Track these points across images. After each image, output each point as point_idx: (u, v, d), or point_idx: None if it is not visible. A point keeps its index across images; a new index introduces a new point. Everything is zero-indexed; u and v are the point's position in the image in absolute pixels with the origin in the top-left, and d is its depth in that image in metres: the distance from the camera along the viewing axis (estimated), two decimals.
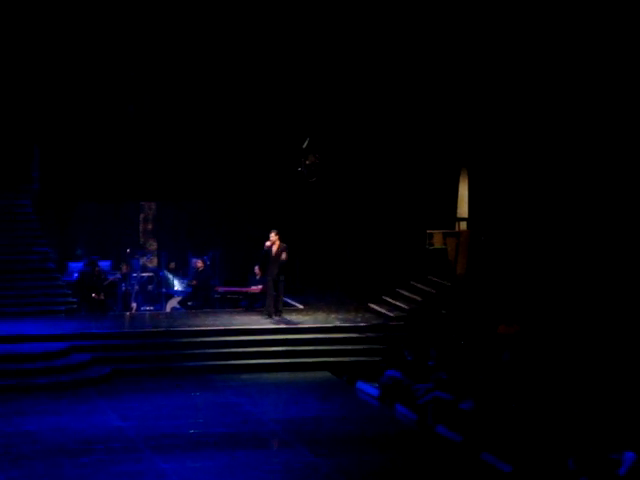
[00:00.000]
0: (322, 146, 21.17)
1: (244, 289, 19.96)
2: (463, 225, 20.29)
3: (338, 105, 21.42)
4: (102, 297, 19.12)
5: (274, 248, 17.89)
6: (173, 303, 20.15)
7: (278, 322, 17.91)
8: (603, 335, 15.23)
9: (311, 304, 19.63)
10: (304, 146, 21.02)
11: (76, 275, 19.52)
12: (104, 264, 20.07)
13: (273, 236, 17.96)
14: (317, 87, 21.43)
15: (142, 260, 20.75)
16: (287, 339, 17.28)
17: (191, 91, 21.61)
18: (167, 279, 20.56)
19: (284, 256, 17.82)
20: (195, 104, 21.65)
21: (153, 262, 21.58)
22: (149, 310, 19.86)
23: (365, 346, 17.27)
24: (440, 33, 20.14)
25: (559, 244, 17.83)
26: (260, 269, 18.42)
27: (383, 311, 18.81)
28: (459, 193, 20.51)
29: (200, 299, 19.88)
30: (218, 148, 21.67)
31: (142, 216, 22.34)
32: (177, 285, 20.67)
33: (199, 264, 19.96)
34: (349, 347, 17.26)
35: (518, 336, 15.91)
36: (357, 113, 21.35)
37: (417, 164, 21.12)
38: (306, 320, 18.22)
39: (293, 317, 18.35)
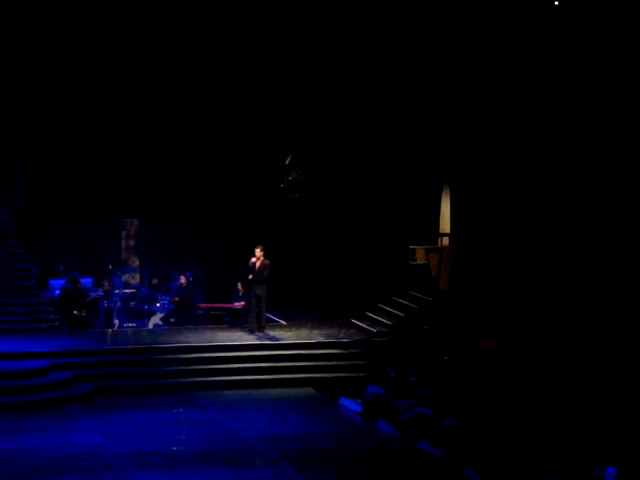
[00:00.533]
0: (305, 162, 21.22)
1: (227, 305, 19.92)
2: (445, 241, 20.35)
3: (320, 120, 21.47)
4: (84, 314, 19.02)
5: (258, 264, 17.93)
6: (156, 320, 20.09)
7: (261, 338, 17.88)
8: (585, 349, 15.26)
9: (294, 320, 19.60)
10: (286, 162, 21.06)
11: (58, 292, 19.42)
12: (86, 281, 19.98)
13: (258, 252, 17.98)
14: (299, 102, 21.49)
15: (124, 277, 20.71)
16: (270, 355, 17.24)
17: (173, 108, 21.62)
18: (149, 295, 20.52)
19: (266, 272, 17.88)
20: (177, 121, 21.66)
21: (135, 279, 21.55)
22: (131, 327, 19.78)
23: (348, 362, 17.25)
24: (422, 51, 20.22)
25: (540, 259, 17.87)
26: (243, 285, 18.37)
27: (366, 327, 18.81)
28: (441, 209, 20.59)
29: (183, 315, 19.84)
30: (200, 164, 21.68)
31: (124, 232, 22.30)
32: (160, 301, 20.62)
33: (182, 280, 19.94)
34: (332, 363, 17.24)
35: (501, 351, 15.94)
36: (340, 129, 21.40)
37: (399, 180, 21.18)
38: (289, 336, 18.19)
39: (276, 333, 18.32)
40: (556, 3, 17.59)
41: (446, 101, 19.99)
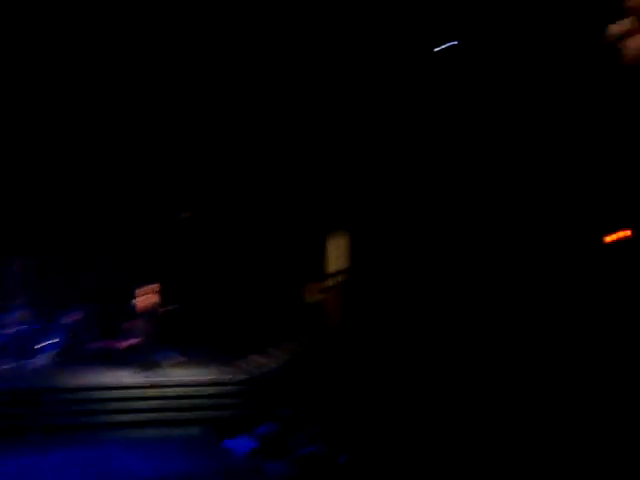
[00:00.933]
0: (195, 200, 21.21)
1: (117, 343, 19.68)
2: (339, 279, 20.48)
3: (210, 160, 21.49)
4: None
5: (148, 301, 17.85)
6: (43, 358, 19.73)
7: (152, 376, 17.68)
8: (475, 389, 15.47)
9: (187, 358, 19.43)
10: (173, 202, 21.05)
11: None
12: None
13: (147, 289, 17.91)
14: (184, 139, 21.47)
15: (10, 315, 20.30)
16: (160, 394, 17.04)
17: (45, 139, 21.31)
18: (37, 334, 20.14)
19: (157, 310, 17.80)
20: (53, 151, 21.31)
21: (23, 317, 21.13)
22: (17, 366, 19.37)
23: (241, 400, 17.16)
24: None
25: (432, 299, 18.10)
26: (135, 322, 18.21)
27: (260, 364, 18.76)
28: (335, 247, 20.74)
29: (71, 354, 19.54)
30: (86, 201, 21.45)
31: (10, 270, 21.90)
32: (47, 340, 20.26)
33: (71, 318, 19.68)
34: (225, 401, 17.11)
35: (390, 390, 16.05)
36: (230, 168, 21.46)
37: (292, 218, 21.30)
38: (181, 374, 18.00)
39: (168, 371, 18.14)
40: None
41: (339, 145, 20.22)
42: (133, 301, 18.13)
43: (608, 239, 13.27)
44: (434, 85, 18.34)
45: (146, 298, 17.82)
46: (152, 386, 17.27)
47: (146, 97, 20.92)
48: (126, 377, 17.66)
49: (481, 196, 17.45)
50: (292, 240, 21.18)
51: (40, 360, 19.61)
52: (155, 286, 17.86)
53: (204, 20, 20.14)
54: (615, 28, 12.82)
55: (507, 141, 16.73)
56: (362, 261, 19.95)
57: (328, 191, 20.57)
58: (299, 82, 20.30)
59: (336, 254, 20.56)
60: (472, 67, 17.74)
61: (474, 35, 17.59)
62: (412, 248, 18.87)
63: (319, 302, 19.76)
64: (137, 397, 16.91)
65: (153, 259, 21.25)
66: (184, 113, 21.14)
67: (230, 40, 20.38)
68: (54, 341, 19.99)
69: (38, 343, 20.03)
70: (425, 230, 18.65)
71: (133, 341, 18.83)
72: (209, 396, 17.18)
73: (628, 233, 13.62)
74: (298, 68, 20.15)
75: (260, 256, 21.50)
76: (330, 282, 20.30)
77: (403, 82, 18.74)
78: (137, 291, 18.13)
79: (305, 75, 20.15)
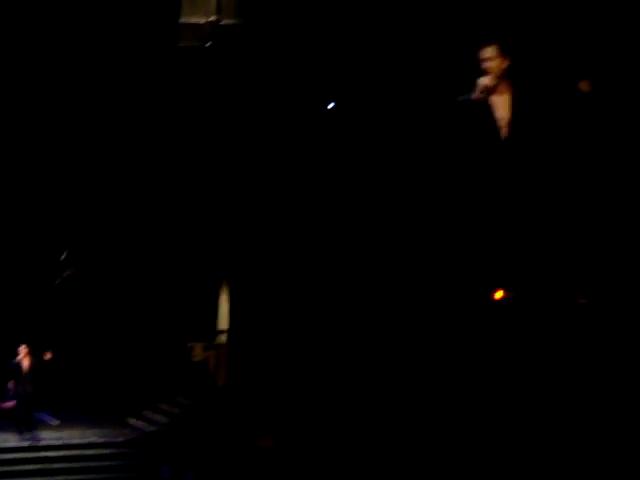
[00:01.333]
0: (81, 258, 20.89)
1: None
2: (223, 338, 20.40)
3: (95, 216, 21.24)
4: None
5: (25, 362, 17.65)
6: None
7: (31, 439, 17.22)
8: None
9: (67, 419, 18.94)
10: (62, 258, 20.70)
11: None
12: None
13: (23, 349, 17.71)
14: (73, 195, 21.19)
15: None
16: (39, 457, 16.63)
17: None
18: None
19: (33, 371, 17.56)
20: None
21: None
22: None
23: (122, 462, 16.85)
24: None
25: (316, 358, 18.21)
26: (14, 384, 17.83)
27: (142, 426, 18.46)
28: (220, 306, 20.68)
29: None
30: None
31: None
32: None
33: None
34: (106, 463, 16.80)
35: (277, 448, 15.99)
36: (114, 224, 21.24)
37: (178, 276, 21.15)
38: (61, 436, 17.61)
39: (47, 434, 17.68)
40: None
41: (223, 201, 20.25)
42: (13, 361, 17.75)
43: (496, 296, 13.51)
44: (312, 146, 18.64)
45: (24, 358, 17.57)
46: (33, 449, 16.86)
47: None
48: (6, 440, 17.18)
49: (350, 257, 17.76)
50: (179, 299, 21.03)
51: None
52: (25, 346, 17.68)
53: None
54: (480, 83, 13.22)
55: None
56: (243, 319, 19.93)
57: (214, 248, 20.53)
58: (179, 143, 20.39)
59: (223, 311, 20.51)
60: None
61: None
62: (289, 307, 18.98)
63: (205, 361, 19.65)
64: (17, 460, 16.46)
65: (37, 320, 20.80)
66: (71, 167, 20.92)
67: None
68: None
69: None
70: (301, 288, 18.80)
71: (12, 403, 18.34)
72: (92, 458, 16.84)
73: (511, 293, 13.92)
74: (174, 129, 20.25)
75: (146, 315, 21.25)
76: (216, 340, 20.21)
77: (280, 141, 19.02)
78: (18, 350, 17.79)
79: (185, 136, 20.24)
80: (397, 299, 16.92)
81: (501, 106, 13.32)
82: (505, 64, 13.32)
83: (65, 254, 20.65)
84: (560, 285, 13.69)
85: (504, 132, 12.99)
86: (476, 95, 12.79)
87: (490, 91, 12.86)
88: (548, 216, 13.83)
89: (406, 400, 15.59)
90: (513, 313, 13.88)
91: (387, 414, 15.71)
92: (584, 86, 12.77)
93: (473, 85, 13.51)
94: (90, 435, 17.74)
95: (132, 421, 18.75)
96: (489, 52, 13.09)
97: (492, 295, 13.73)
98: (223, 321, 20.64)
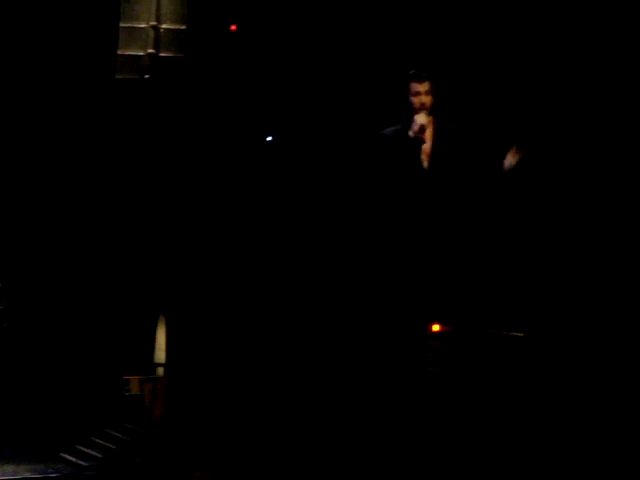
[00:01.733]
0: (15, 290, 20.65)
1: None
2: (160, 371, 20.23)
3: (35, 244, 21.05)
4: None
5: None
6: None
7: None
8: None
9: None
10: None
11: None
12: None
13: None
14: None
15: None
16: None
17: None
18: None
19: None
20: None
21: None
22: None
23: None
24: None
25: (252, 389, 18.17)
26: None
27: (76, 461, 18.16)
28: (157, 338, 20.53)
29: None
30: None
31: None
32: None
33: None
34: None
35: None
36: (47, 256, 21.03)
37: (113, 309, 20.97)
38: None
39: None
40: None
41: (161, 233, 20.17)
42: None
43: (434, 328, 13.65)
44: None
45: None
46: None
47: None
48: None
49: (280, 291, 17.85)
50: (115, 330, 20.86)
51: None
52: None
53: None
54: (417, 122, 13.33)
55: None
56: (181, 352, 19.83)
57: (149, 280, 20.42)
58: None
59: (161, 344, 20.37)
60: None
61: None
62: (227, 340, 18.96)
63: (141, 395, 19.45)
64: None
65: None
66: None
67: None
68: None
69: None
70: (238, 320, 18.81)
71: None
72: None
73: (448, 328, 14.06)
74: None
75: (80, 345, 21.05)
76: (153, 373, 20.05)
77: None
78: None
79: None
80: (335, 331, 16.99)
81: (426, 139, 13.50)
82: (433, 99, 13.52)
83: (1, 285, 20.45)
84: (496, 318, 13.84)
85: (426, 165, 13.17)
86: (413, 133, 12.91)
87: (425, 129, 13.00)
88: (483, 249, 13.99)
89: (341, 437, 15.66)
90: (450, 347, 14.00)
91: (328, 445, 15.74)
92: (511, 155, 12.91)
93: (400, 118, 13.67)
94: (23, 471, 17.40)
95: (66, 456, 18.46)
96: (422, 87, 13.20)
97: (429, 328, 13.86)
98: (160, 354, 20.53)
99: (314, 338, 17.63)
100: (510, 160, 13.29)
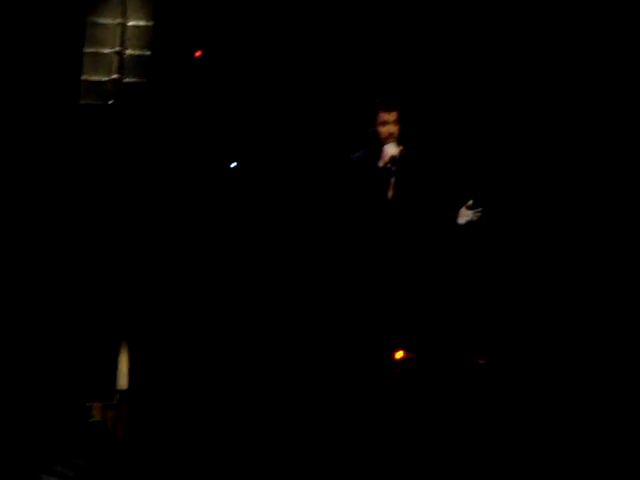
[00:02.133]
0: None
1: None
2: (122, 397, 20.06)
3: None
4: None
5: None
6: None
7: None
8: None
9: None
10: None
11: None
12: None
13: None
14: None
15: None
16: None
17: None
18: None
19: None
20: None
21: None
22: None
23: None
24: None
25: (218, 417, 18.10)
26: None
27: None
28: (119, 365, 20.39)
29: None
30: None
31: None
32: None
33: None
34: None
35: None
36: (13, 278, 20.85)
37: (74, 335, 20.79)
38: None
39: None
40: None
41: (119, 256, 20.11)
42: None
43: (398, 355, 13.69)
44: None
45: None
46: None
47: None
48: None
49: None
50: (77, 357, 20.70)
51: None
52: None
53: None
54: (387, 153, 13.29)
55: None
56: (143, 378, 19.71)
57: (111, 308, 20.31)
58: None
59: (123, 370, 20.24)
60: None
61: None
62: (190, 366, 18.90)
63: (104, 421, 19.33)
64: None
65: None
66: None
67: None
68: None
69: None
70: (200, 347, 18.76)
71: None
72: None
73: (411, 354, 14.11)
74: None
75: (42, 372, 20.85)
76: (115, 399, 19.91)
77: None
78: None
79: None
80: (300, 357, 16.99)
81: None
82: (401, 128, 13.51)
83: None
84: (460, 346, 13.92)
85: (390, 195, 13.18)
86: (383, 164, 12.93)
87: (395, 160, 13.00)
88: (446, 277, 14.09)
89: (306, 464, 15.65)
90: (413, 374, 14.04)
91: (291, 472, 15.71)
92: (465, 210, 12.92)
93: (365, 143, 13.68)
94: None
95: None
96: (390, 116, 13.19)
97: (393, 355, 13.90)
98: (122, 380, 20.39)
99: (277, 365, 17.61)
100: (465, 216, 13.20)
